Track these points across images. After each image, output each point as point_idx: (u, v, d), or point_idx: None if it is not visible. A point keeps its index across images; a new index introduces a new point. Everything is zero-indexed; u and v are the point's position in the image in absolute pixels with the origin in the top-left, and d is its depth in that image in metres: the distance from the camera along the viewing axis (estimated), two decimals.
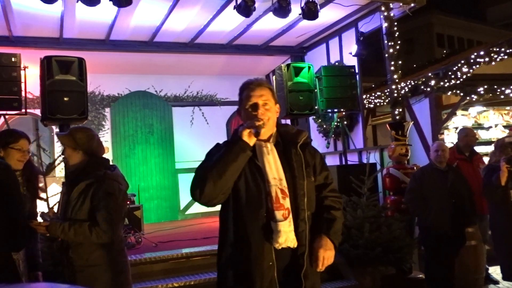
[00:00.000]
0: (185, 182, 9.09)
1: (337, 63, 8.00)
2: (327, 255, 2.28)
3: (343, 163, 7.06)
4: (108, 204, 2.76)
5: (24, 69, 5.30)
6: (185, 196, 9.11)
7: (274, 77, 6.91)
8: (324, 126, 8.27)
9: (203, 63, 8.91)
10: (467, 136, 5.78)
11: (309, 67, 6.59)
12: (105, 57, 7.89)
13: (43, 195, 4.96)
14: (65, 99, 5.17)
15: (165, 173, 9.06)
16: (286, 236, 2.19)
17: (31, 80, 6.14)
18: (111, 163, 3.11)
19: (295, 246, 2.23)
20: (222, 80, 9.62)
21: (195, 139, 9.30)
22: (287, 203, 2.22)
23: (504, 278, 5.27)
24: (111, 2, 5.44)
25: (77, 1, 5.42)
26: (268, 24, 7.42)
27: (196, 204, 9.13)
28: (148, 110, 9.11)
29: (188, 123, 9.47)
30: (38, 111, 7.45)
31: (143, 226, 6.16)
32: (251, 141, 2.21)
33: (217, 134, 9.48)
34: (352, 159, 7.38)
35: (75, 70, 5.33)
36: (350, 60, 7.56)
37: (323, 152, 8.34)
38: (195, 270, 5.09)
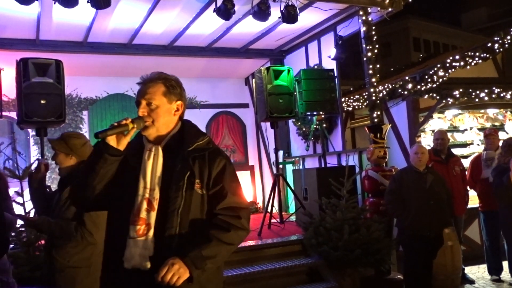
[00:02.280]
0: None
1: (316, 66, 8.06)
2: (173, 269, 1.83)
3: (323, 165, 7.12)
4: None
5: (0, 71, 5.21)
6: None
7: (254, 80, 6.94)
8: (304, 129, 8.32)
9: (182, 66, 8.85)
10: (438, 139, 5.95)
11: (288, 70, 6.64)
12: (82, 59, 7.79)
13: (19, 199, 4.88)
14: (42, 101, 5.10)
15: None
16: (134, 255, 1.90)
17: (6, 83, 6.04)
18: None
19: (147, 268, 1.89)
20: (202, 83, 9.60)
21: None
22: (151, 218, 1.92)
23: None
24: (89, 4, 5.37)
25: (54, 3, 5.34)
26: (247, 27, 7.43)
27: None
28: (127, 113, 9.01)
29: None
30: (14, 114, 7.32)
31: None
32: (121, 142, 1.93)
33: None
34: (331, 161, 7.44)
35: (53, 73, 5.28)
36: (329, 64, 7.62)
37: (303, 155, 8.40)
38: None
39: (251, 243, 5.69)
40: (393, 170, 6.06)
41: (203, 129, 9.51)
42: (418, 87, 7.12)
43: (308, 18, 7.25)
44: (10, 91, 6.58)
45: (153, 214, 1.92)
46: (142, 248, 1.90)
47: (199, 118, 9.60)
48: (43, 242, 3.05)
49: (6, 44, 7.00)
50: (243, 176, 9.86)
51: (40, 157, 5.63)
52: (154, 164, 1.99)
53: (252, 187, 9.93)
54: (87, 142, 3.16)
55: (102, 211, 2.82)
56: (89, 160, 2.00)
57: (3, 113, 6.03)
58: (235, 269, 5.22)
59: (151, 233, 1.91)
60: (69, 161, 3.06)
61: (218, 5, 6.03)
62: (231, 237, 1.99)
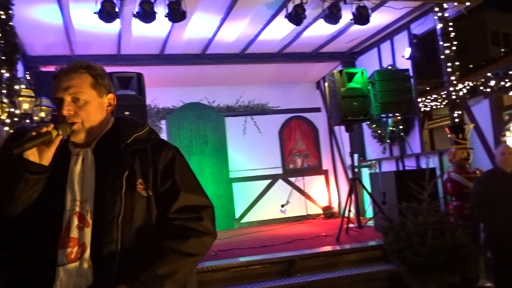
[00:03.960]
0: (239, 191, 9.19)
1: (390, 67, 7.86)
2: None
3: (400, 168, 6.91)
4: None
5: None
6: (240, 205, 9.20)
7: (326, 83, 6.89)
8: (379, 132, 8.13)
9: (254, 73, 9.00)
10: None
11: (362, 72, 6.53)
12: (160, 71, 8.12)
13: None
14: (126, 113, 5.36)
15: (220, 182, 9.18)
16: (67, 287, 1.48)
17: None
18: None
19: None
20: (273, 88, 9.69)
21: (248, 148, 9.40)
22: (85, 236, 1.51)
23: None
24: (166, 18, 5.61)
25: (135, 19, 5.63)
26: (318, 31, 7.41)
27: (251, 212, 9.24)
28: (201, 121, 9.29)
29: (241, 133, 9.56)
30: None
31: None
32: (44, 156, 1.50)
33: (270, 142, 9.58)
34: (410, 164, 7.20)
35: (134, 85, 5.55)
36: (403, 63, 7.41)
37: (378, 157, 8.20)
38: (255, 279, 5.12)
39: (329, 248, 5.64)
40: (477, 172, 5.75)
41: (276, 135, 9.64)
42: (502, 83, 6.73)
43: (380, 18, 7.10)
44: None
45: (88, 231, 1.52)
46: (77, 276, 1.49)
47: (272, 124, 9.69)
48: None
49: (91, 60, 7.39)
50: (317, 180, 9.80)
51: None
52: (83, 171, 1.58)
53: (327, 191, 9.84)
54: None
55: None
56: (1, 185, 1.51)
57: None
58: (314, 275, 5.19)
59: (86, 255, 1.49)
60: None
61: (289, 11, 6.06)
62: (193, 246, 1.58)
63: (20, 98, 4.84)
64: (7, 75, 4.80)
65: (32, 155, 1.48)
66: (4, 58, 4.80)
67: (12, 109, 4.64)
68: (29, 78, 6.18)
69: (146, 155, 1.63)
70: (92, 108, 1.62)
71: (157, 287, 1.48)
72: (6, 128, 4.18)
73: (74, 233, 1.52)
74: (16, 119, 4.66)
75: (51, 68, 7.13)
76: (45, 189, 1.55)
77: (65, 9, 5.84)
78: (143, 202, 1.58)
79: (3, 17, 4.91)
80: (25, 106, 4.92)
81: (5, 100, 4.59)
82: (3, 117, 4.43)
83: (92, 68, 1.67)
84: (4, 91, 4.77)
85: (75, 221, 1.53)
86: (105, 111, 1.68)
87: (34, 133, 1.47)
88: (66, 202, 1.55)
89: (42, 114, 5.14)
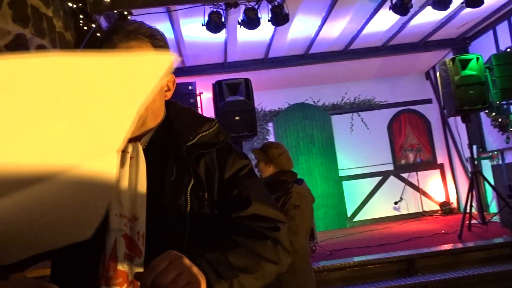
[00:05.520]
0: (349, 189, 9.08)
1: (508, 49, 7.25)
2: (176, 267, 0.91)
3: None
4: (295, 215, 2.92)
5: (199, 95, 5.87)
6: (351, 203, 9.08)
7: (438, 73, 6.56)
8: (500, 120, 7.53)
9: (358, 68, 8.84)
10: None
11: (477, 58, 6.11)
12: (265, 74, 8.31)
13: None
14: (236, 118, 5.58)
15: (329, 181, 9.14)
16: None
17: (204, 104, 6.80)
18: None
19: None
20: (379, 83, 9.44)
21: (356, 145, 9.25)
22: (135, 270, 1.05)
23: None
24: (269, 23, 5.74)
25: (240, 27, 5.84)
26: (425, 19, 7.06)
27: (364, 210, 9.08)
28: (308, 121, 9.33)
29: (348, 130, 9.44)
30: None
31: (316, 234, 6.28)
32: None
33: (379, 138, 9.34)
34: None
35: (243, 90, 5.74)
36: None
37: (501, 148, 7.60)
38: (373, 278, 5.04)
39: (450, 246, 5.36)
40: None
41: (384, 130, 9.38)
42: None
43: None
44: (208, 112, 7.37)
45: (140, 263, 1.07)
46: None
47: (380, 119, 9.44)
48: None
49: (201, 70, 7.88)
50: (431, 175, 9.35)
51: None
52: (133, 174, 1.14)
53: (443, 186, 9.33)
54: (284, 152, 3.33)
55: (301, 221, 2.96)
56: None
57: None
58: (436, 274, 4.97)
59: None
60: (268, 170, 3.27)
61: (393, 2, 5.87)
62: (271, 250, 1.15)
63: None
64: None
65: None
66: None
67: None
68: None
69: (212, 160, 1.23)
70: (155, 91, 1.05)
71: (227, 273, 1.00)
72: None
73: (123, 265, 1.07)
74: None
75: None
76: None
77: (176, 25, 6.22)
78: (209, 224, 1.17)
79: None
80: None
81: None
82: None
83: (156, 37, 1.22)
84: None
85: (123, 247, 1.07)
86: (163, 97, 1.27)
87: None
88: (110, 217, 1.08)
89: None
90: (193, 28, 6.27)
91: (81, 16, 4.94)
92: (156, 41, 1.21)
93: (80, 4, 4.91)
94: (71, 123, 0.56)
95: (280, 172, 3.20)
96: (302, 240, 3.02)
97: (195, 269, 0.92)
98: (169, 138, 1.22)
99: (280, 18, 5.65)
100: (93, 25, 4.97)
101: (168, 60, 0.67)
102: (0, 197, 0.56)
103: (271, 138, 9.26)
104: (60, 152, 0.58)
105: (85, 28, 4.95)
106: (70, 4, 4.78)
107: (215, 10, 5.59)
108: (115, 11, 5.24)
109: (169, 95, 1.28)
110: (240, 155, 1.29)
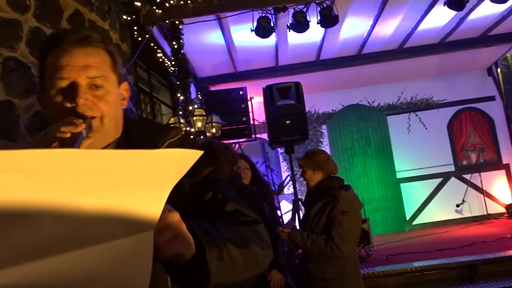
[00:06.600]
0: (408, 191, 8.82)
1: None
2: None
3: None
4: (342, 221, 2.88)
5: (250, 100, 5.92)
6: (410, 206, 8.81)
7: (499, 69, 6.25)
8: None
9: (414, 67, 8.58)
10: None
11: None
12: (317, 76, 8.25)
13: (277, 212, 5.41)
14: (287, 122, 5.58)
15: (387, 183, 8.92)
16: None
17: (255, 108, 6.85)
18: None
19: None
20: (437, 81, 9.12)
21: (414, 146, 8.98)
22: None
23: None
24: (319, 25, 5.69)
25: (289, 30, 5.84)
26: (484, 12, 6.74)
27: (423, 213, 8.79)
28: (363, 123, 9.16)
29: (405, 131, 9.18)
30: (263, 135, 8.21)
31: (372, 238, 6.15)
32: None
33: (438, 138, 9.02)
34: None
35: (293, 94, 5.73)
36: None
37: None
38: (431, 285, 4.86)
39: None
40: None
41: (444, 130, 9.05)
42: None
43: None
44: (259, 116, 7.41)
45: None
46: None
47: (438, 119, 9.13)
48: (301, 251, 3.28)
49: (252, 75, 7.94)
50: (496, 176, 8.91)
51: (290, 173, 6.14)
52: None
53: (510, 188, 8.85)
54: (330, 157, 3.33)
55: (349, 226, 2.91)
56: None
57: (256, 135, 6.82)
58: (500, 281, 4.71)
59: None
60: (317, 176, 3.25)
61: None
62: (255, 236, 1.09)
63: (194, 118, 5.36)
64: (182, 98, 5.38)
65: None
66: (178, 83, 5.39)
67: (188, 128, 5.18)
68: (200, 98, 6.82)
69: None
70: (113, 99, 1.11)
71: (220, 239, 0.95)
72: None
73: None
74: (191, 137, 5.18)
75: (219, 87, 7.79)
76: None
77: (226, 32, 6.31)
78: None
79: (176, 46, 5.51)
80: (199, 124, 5.44)
81: (181, 121, 5.15)
82: None
83: (108, 43, 1.16)
84: (181, 113, 5.35)
85: None
86: (122, 106, 1.18)
87: (60, 134, 0.93)
88: None
89: (213, 130, 5.62)
90: (243, 33, 6.33)
91: (135, 28, 5.13)
92: (110, 46, 1.15)
93: (134, 16, 5.10)
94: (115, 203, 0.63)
95: (326, 178, 3.17)
96: (350, 246, 2.97)
97: (184, 226, 0.83)
98: (131, 147, 1.14)
99: (329, 20, 5.59)
100: (147, 36, 5.14)
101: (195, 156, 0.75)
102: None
103: (325, 141, 9.18)
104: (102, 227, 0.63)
105: (139, 39, 5.13)
106: (124, 17, 4.98)
107: (264, 15, 5.62)
108: (167, 21, 5.38)
109: (125, 103, 1.20)
110: (205, 163, 1.19)
